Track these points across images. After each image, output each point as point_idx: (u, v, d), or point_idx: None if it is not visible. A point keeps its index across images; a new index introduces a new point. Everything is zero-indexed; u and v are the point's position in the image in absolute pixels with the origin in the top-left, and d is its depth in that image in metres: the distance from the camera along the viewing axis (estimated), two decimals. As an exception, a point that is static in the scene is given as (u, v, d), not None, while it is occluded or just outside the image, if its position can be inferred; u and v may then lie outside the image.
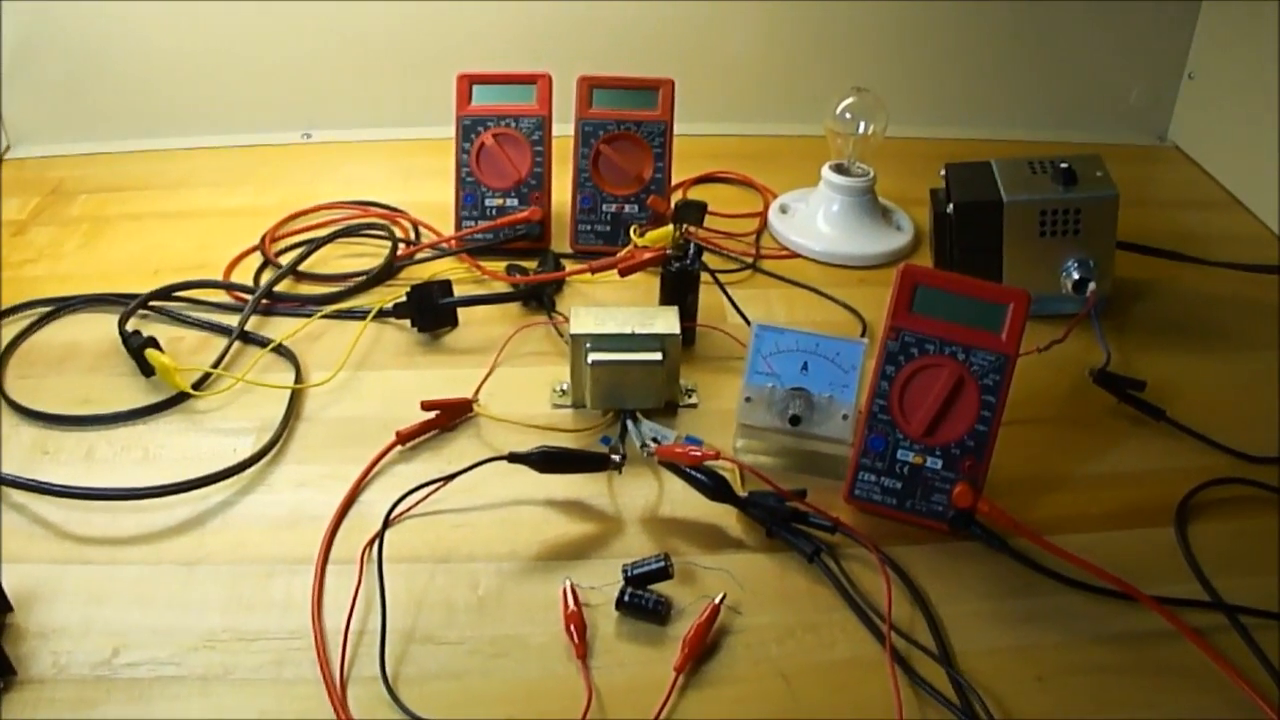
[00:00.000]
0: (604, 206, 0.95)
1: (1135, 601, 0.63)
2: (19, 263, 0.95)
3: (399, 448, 0.75)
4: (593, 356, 0.74)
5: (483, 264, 0.94)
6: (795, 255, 0.99)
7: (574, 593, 0.63)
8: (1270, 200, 1.06)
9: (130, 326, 0.84)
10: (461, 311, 0.87)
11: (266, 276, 0.92)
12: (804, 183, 1.06)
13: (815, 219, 1.00)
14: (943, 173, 0.89)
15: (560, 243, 0.97)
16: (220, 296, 0.91)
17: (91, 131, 1.16)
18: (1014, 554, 0.66)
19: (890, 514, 0.69)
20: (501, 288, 0.91)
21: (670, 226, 0.84)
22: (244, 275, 0.94)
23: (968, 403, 0.67)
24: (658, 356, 0.74)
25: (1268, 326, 0.90)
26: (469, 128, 0.94)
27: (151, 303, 0.89)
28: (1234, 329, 0.90)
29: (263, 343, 0.84)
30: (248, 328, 0.85)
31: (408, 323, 0.86)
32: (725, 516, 0.70)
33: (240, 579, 0.65)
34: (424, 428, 0.75)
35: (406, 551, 0.67)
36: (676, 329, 0.75)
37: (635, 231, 0.89)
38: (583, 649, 0.60)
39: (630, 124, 0.94)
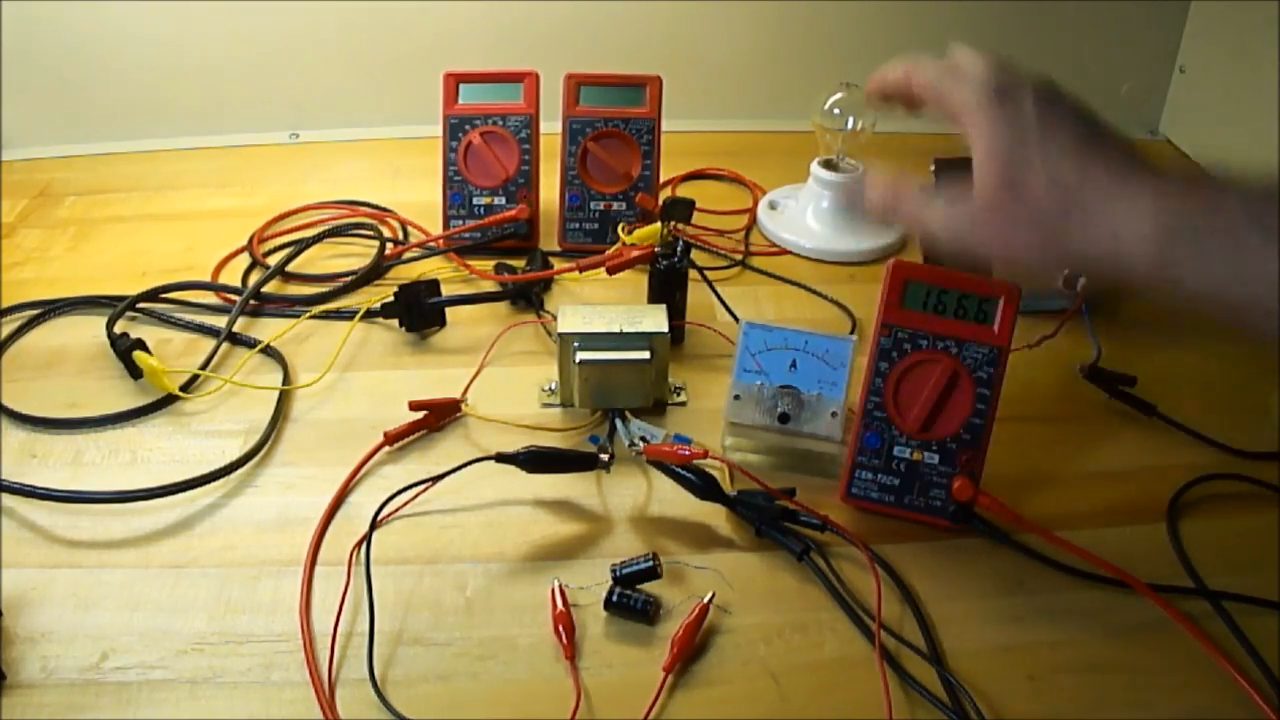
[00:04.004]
0: (592, 204, 0.95)
1: (1128, 600, 0.63)
2: (7, 265, 0.95)
3: (387, 448, 0.74)
4: (580, 355, 0.74)
5: (471, 263, 0.93)
6: (784, 252, 0.99)
7: (562, 593, 0.63)
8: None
9: (118, 329, 0.84)
10: (450, 311, 0.87)
11: (254, 277, 0.92)
12: (793, 179, 1.06)
13: (804, 215, 1.00)
14: (932, 167, 0.89)
15: (549, 241, 0.97)
16: (208, 298, 0.91)
17: (79, 133, 1.15)
18: (1017, 546, 0.66)
19: (889, 511, 0.69)
20: (490, 287, 0.91)
21: (658, 224, 0.84)
22: (232, 276, 0.94)
23: (962, 397, 0.67)
24: (645, 355, 0.74)
25: (1258, 320, 0.90)
26: (456, 126, 0.94)
27: (139, 305, 0.88)
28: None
29: (251, 344, 0.84)
30: (236, 329, 0.85)
31: (395, 323, 0.86)
32: (714, 515, 0.70)
33: (228, 582, 0.65)
34: (412, 428, 0.75)
35: (394, 553, 0.67)
36: (664, 327, 0.75)
37: (623, 229, 0.88)
38: (571, 650, 0.60)
39: (618, 121, 0.93)
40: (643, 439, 0.74)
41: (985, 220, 0.56)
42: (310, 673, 0.59)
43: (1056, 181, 0.53)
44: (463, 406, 0.78)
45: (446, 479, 0.70)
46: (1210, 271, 0.49)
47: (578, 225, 0.96)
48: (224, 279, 0.93)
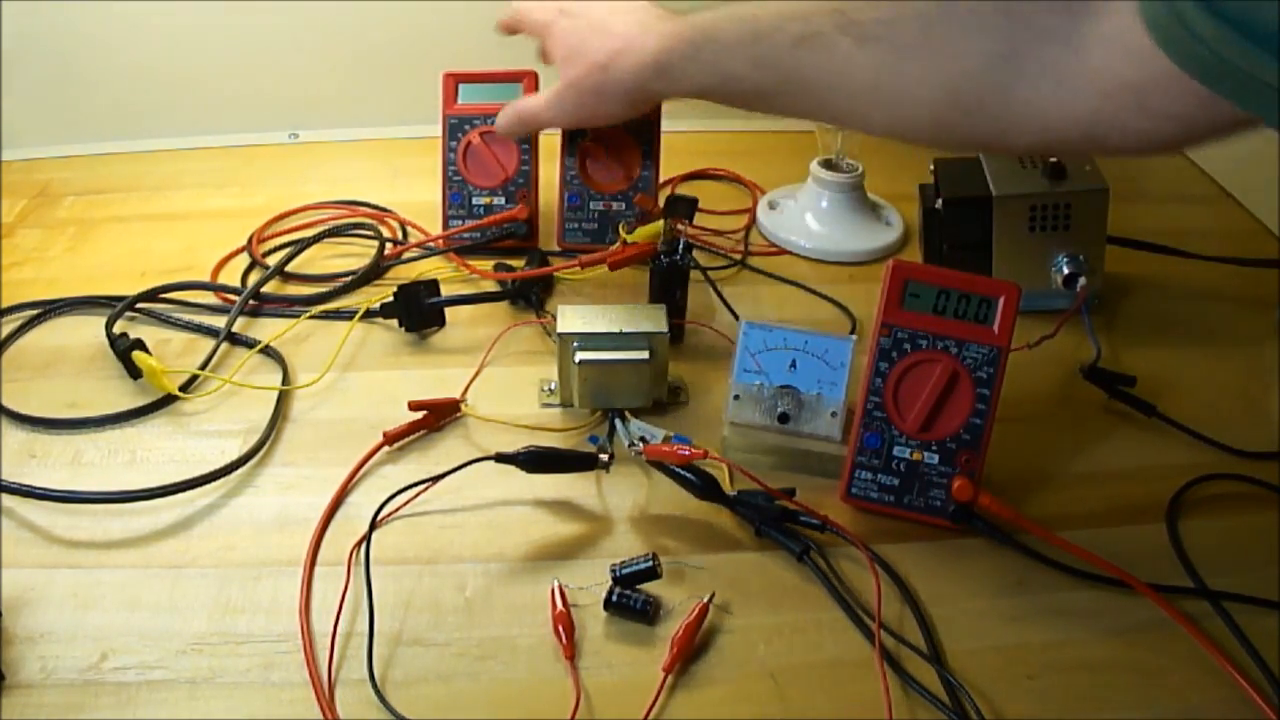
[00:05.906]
0: (591, 204, 0.95)
1: (1128, 600, 0.63)
2: (6, 266, 0.95)
3: (386, 449, 0.74)
4: (580, 355, 0.74)
5: (470, 263, 0.93)
6: (784, 252, 0.99)
7: (562, 593, 0.63)
8: (1261, 194, 1.06)
9: (117, 329, 0.84)
10: (449, 311, 0.86)
11: (254, 277, 0.92)
12: (793, 179, 1.05)
13: (804, 215, 1.00)
14: (931, 168, 0.89)
15: (548, 241, 0.97)
16: (208, 298, 0.90)
17: (78, 133, 1.15)
18: (1017, 546, 0.66)
19: (889, 511, 0.69)
20: (489, 287, 0.91)
21: (660, 223, 0.84)
22: (231, 276, 0.93)
23: (962, 396, 0.67)
24: (645, 355, 0.74)
25: (1258, 321, 0.90)
26: (455, 126, 0.94)
27: (139, 305, 0.88)
28: (1224, 324, 0.90)
29: (250, 344, 0.84)
30: (235, 329, 0.85)
31: (395, 323, 0.86)
32: (714, 515, 0.69)
33: (228, 582, 0.65)
34: (411, 428, 0.75)
35: (394, 553, 0.67)
36: (664, 327, 0.75)
37: (623, 228, 0.88)
38: (571, 650, 0.60)
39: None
40: (642, 439, 0.74)
41: (573, 95, 0.83)
42: (310, 673, 0.59)
43: (604, 47, 0.79)
44: (462, 406, 0.78)
45: (446, 479, 0.70)
46: (694, 79, 0.75)
47: (577, 225, 0.96)
48: (223, 279, 0.93)
